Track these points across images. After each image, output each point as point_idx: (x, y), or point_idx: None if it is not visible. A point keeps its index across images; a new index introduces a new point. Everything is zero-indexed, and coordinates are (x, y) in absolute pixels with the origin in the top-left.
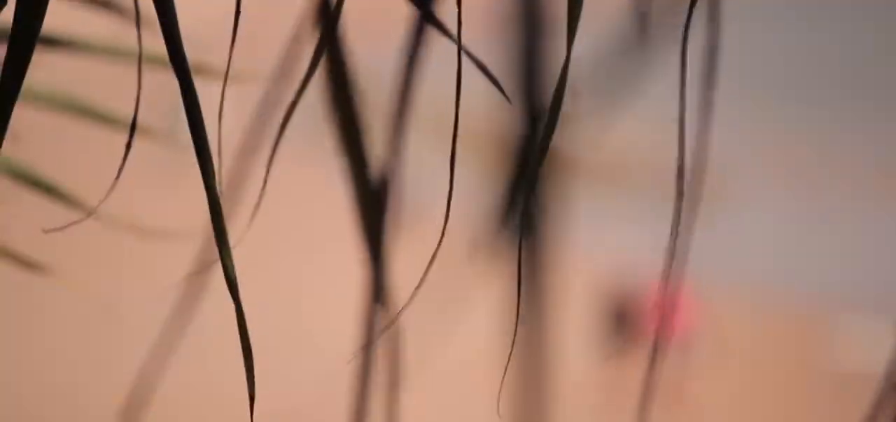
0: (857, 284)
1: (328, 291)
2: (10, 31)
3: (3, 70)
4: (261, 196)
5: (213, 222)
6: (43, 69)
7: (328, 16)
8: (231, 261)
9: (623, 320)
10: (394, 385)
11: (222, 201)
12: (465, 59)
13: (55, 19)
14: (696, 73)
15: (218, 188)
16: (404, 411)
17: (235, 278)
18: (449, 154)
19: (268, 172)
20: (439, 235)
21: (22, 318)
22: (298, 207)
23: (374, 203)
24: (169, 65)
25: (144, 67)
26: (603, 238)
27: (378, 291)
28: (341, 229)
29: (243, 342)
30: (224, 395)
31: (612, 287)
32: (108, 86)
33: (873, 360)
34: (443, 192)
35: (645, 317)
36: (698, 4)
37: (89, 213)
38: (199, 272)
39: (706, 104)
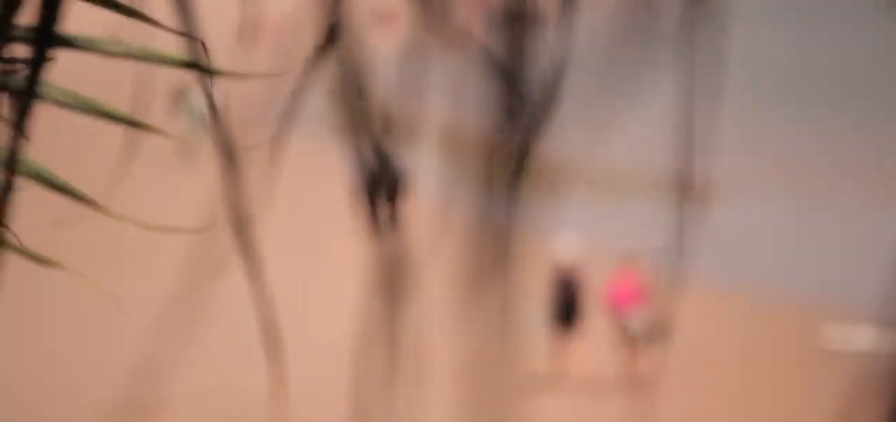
0: (852, 282)
1: (328, 282)
2: (23, 32)
3: (26, 70)
4: (270, 185)
5: (235, 219)
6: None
7: (336, 11)
8: (255, 255)
9: (571, 302)
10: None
11: (238, 196)
12: (465, 62)
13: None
14: (690, 74)
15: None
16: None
17: (261, 274)
18: (448, 155)
19: (278, 163)
20: (438, 225)
21: (26, 310)
22: (299, 197)
23: (381, 187)
24: (169, 62)
25: (147, 64)
26: (585, 231)
27: (387, 265)
28: (342, 222)
29: (267, 331)
30: (228, 383)
31: (561, 270)
32: (106, 82)
33: (863, 355)
34: (435, 188)
35: (587, 298)
36: (699, 7)
37: (102, 210)
38: (215, 265)
39: (705, 107)
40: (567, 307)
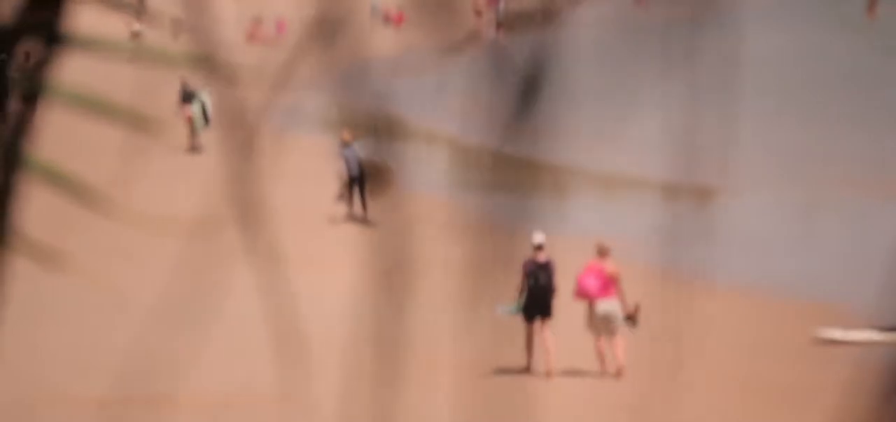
0: (850, 280)
1: (317, 275)
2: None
3: (34, 70)
4: (269, 180)
5: (244, 214)
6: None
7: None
8: (268, 250)
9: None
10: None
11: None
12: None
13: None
14: (694, 74)
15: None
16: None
17: (274, 268)
18: (453, 155)
19: (277, 159)
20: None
21: (25, 304)
22: (297, 193)
23: (366, 180)
24: (176, 61)
25: (149, 63)
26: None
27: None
28: (338, 218)
29: (281, 327)
30: (237, 380)
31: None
32: (112, 80)
33: (861, 353)
34: (439, 187)
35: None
36: (700, 11)
37: (110, 211)
38: (222, 259)
39: (708, 106)
40: (540, 300)
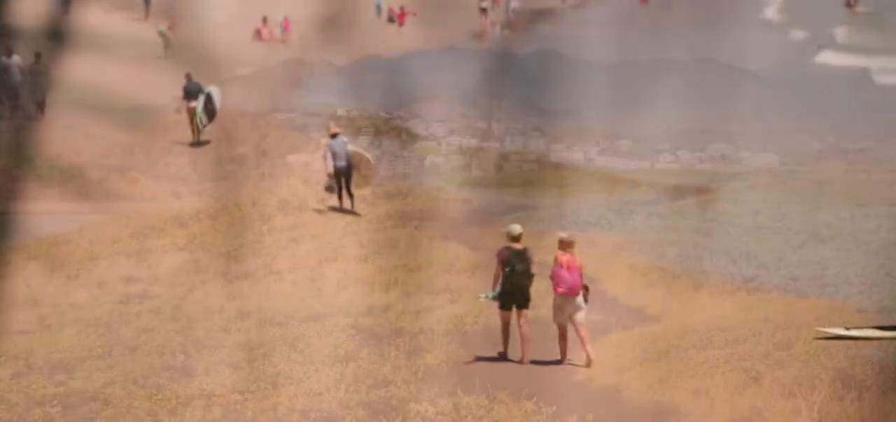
0: (849, 278)
1: (321, 272)
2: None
3: (42, 67)
4: (273, 179)
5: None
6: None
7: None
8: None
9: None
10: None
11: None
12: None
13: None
14: (690, 72)
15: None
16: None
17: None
18: (457, 152)
19: (280, 157)
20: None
21: (31, 306)
22: (300, 190)
23: (348, 174)
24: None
25: (157, 63)
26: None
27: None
28: (333, 216)
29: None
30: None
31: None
32: (116, 78)
33: (858, 349)
34: (426, 178)
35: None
36: (701, 11)
37: (111, 208)
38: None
39: (709, 104)
40: (516, 287)
